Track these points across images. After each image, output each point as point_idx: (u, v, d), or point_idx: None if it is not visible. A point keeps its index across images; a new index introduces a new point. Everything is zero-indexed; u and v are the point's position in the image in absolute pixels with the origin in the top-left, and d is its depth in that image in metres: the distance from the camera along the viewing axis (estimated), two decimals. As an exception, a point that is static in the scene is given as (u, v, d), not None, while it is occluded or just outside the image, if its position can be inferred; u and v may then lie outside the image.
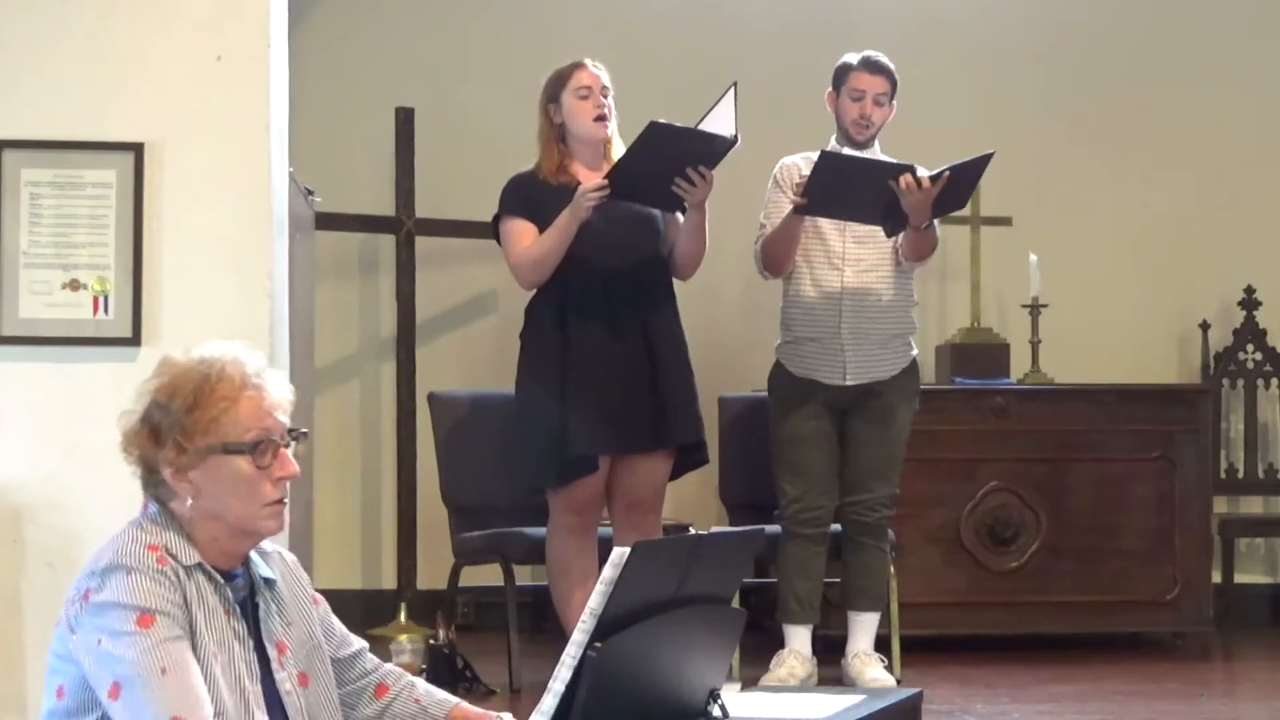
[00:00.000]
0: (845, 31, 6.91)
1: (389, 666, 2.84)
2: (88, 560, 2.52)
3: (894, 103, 5.48)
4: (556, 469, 5.02)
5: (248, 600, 2.61)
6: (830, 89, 5.49)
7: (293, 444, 2.59)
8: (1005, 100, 7.32)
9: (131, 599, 2.42)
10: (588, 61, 5.10)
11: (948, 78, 7.27)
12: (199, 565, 2.53)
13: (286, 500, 2.59)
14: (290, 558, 2.75)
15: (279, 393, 2.59)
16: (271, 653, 2.61)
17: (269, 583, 2.65)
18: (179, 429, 2.51)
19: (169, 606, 2.44)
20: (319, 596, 2.76)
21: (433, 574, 6.59)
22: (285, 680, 2.61)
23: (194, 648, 2.46)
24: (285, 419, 2.59)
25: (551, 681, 2.56)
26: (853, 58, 5.48)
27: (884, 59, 5.46)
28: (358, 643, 2.81)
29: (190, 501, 2.53)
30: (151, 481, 2.56)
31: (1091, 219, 7.32)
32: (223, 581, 2.56)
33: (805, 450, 5.40)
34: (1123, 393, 6.55)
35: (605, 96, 5.06)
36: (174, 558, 2.50)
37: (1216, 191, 7.37)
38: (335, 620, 2.79)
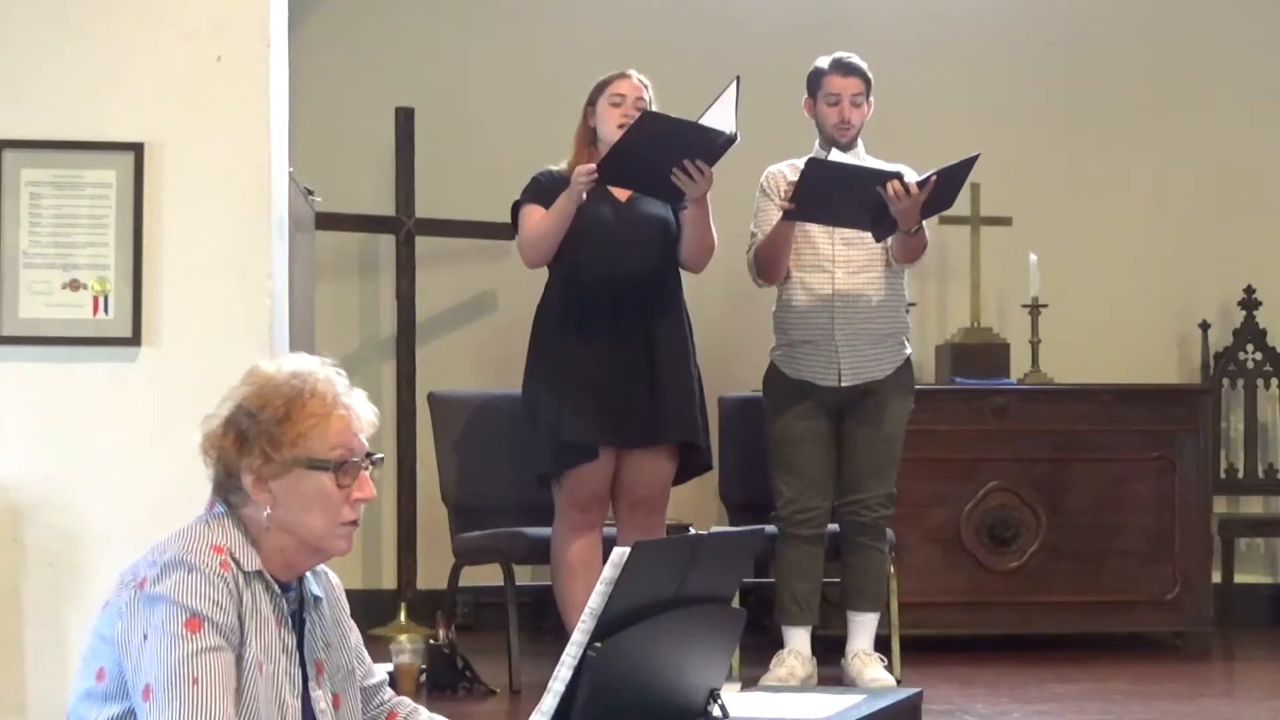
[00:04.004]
0: (845, 32, 6.90)
1: (400, 697, 2.87)
2: (149, 547, 2.53)
3: (871, 100, 5.47)
4: (554, 455, 5.07)
5: (297, 614, 2.63)
6: (806, 96, 5.49)
7: (370, 467, 2.61)
8: (1005, 100, 7.32)
9: (186, 599, 2.43)
10: (632, 73, 5.20)
11: (947, 78, 7.27)
12: (259, 573, 2.54)
13: (359, 523, 2.61)
14: (336, 581, 2.76)
15: (365, 415, 2.61)
16: (311, 670, 2.62)
17: (316, 601, 2.67)
18: (267, 438, 2.53)
19: (219, 614, 2.44)
20: (354, 624, 2.78)
21: (433, 574, 6.59)
22: (320, 699, 2.62)
23: (240, 656, 2.47)
24: (366, 442, 2.61)
25: (551, 681, 2.56)
26: (823, 62, 5.47)
27: (855, 58, 5.46)
28: (380, 673, 2.84)
29: (267, 511, 2.54)
30: (228, 486, 2.57)
31: (1091, 219, 7.32)
32: (279, 592, 2.57)
33: (801, 451, 5.40)
34: (1123, 393, 6.54)
35: (638, 109, 5.09)
36: (236, 562, 2.51)
37: (1216, 191, 7.37)
38: (365, 650, 2.81)
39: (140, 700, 2.42)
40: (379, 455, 2.64)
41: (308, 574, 2.65)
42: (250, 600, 2.50)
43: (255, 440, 2.53)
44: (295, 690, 2.56)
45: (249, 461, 2.53)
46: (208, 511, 2.58)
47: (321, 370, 2.60)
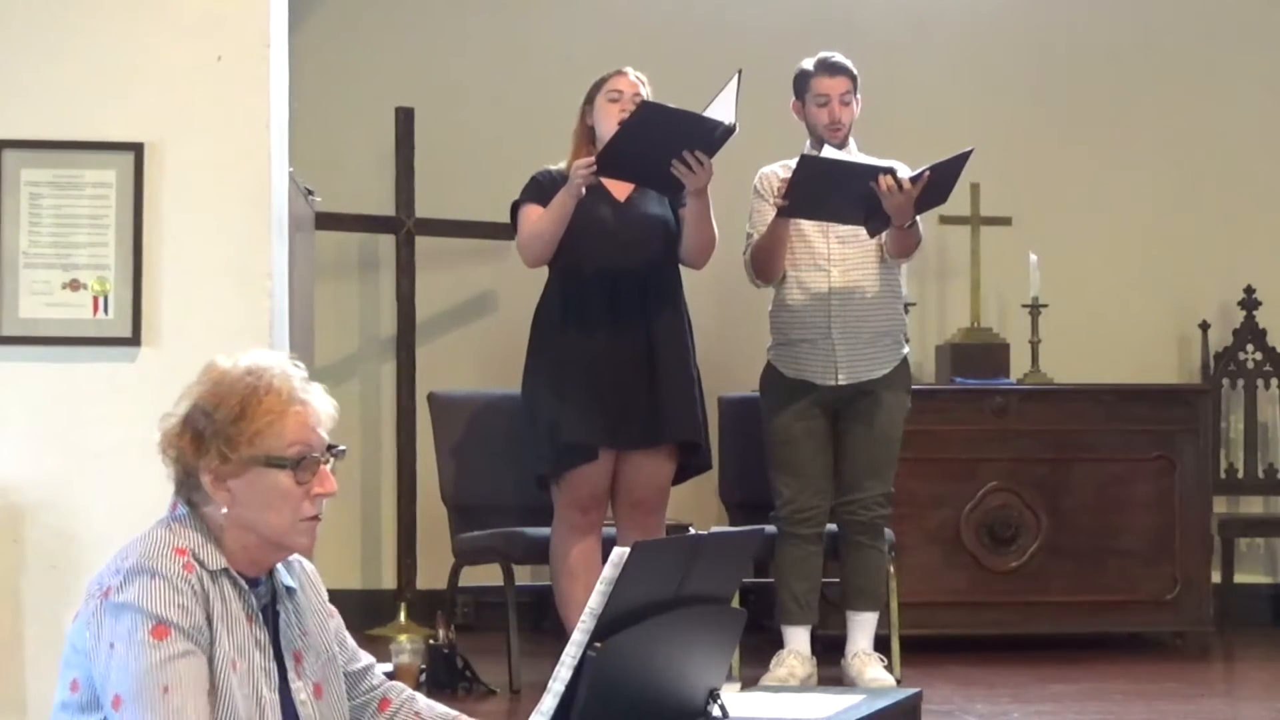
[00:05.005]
0: (844, 31, 6.91)
1: (392, 682, 2.85)
2: (113, 555, 2.51)
3: (859, 97, 5.47)
4: (554, 456, 5.07)
5: (269, 608, 2.61)
6: (794, 99, 5.49)
7: (331, 460, 2.59)
8: (1005, 100, 7.31)
9: (150, 606, 2.42)
10: (629, 70, 5.20)
11: (947, 77, 7.27)
12: (224, 570, 2.52)
13: (322, 517, 2.59)
14: (310, 568, 2.74)
15: (323, 409, 2.59)
16: (289, 662, 2.61)
17: (290, 591, 2.65)
18: (223, 438, 2.51)
19: (186, 619, 2.43)
20: (334, 610, 2.76)
21: (433, 574, 6.58)
22: (300, 690, 2.61)
23: (211, 657, 2.45)
24: (326, 435, 2.59)
25: (551, 681, 2.56)
26: (808, 63, 5.47)
27: (839, 57, 5.45)
28: (366, 658, 2.82)
29: (225, 510, 2.52)
30: (187, 485, 2.55)
31: (1091, 219, 7.32)
32: (247, 588, 2.55)
33: (798, 450, 5.40)
34: (1123, 393, 6.55)
35: (635, 104, 5.09)
36: (200, 562, 2.49)
37: (1216, 192, 7.37)
38: (347, 635, 2.79)
39: (111, 710, 2.41)
40: (341, 447, 2.61)
41: (279, 566, 2.63)
42: (218, 599, 2.49)
43: (212, 440, 2.51)
44: (272, 684, 2.55)
45: (206, 462, 2.51)
46: (169, 514, 2.57)
47: (278, 365, 2.58)
